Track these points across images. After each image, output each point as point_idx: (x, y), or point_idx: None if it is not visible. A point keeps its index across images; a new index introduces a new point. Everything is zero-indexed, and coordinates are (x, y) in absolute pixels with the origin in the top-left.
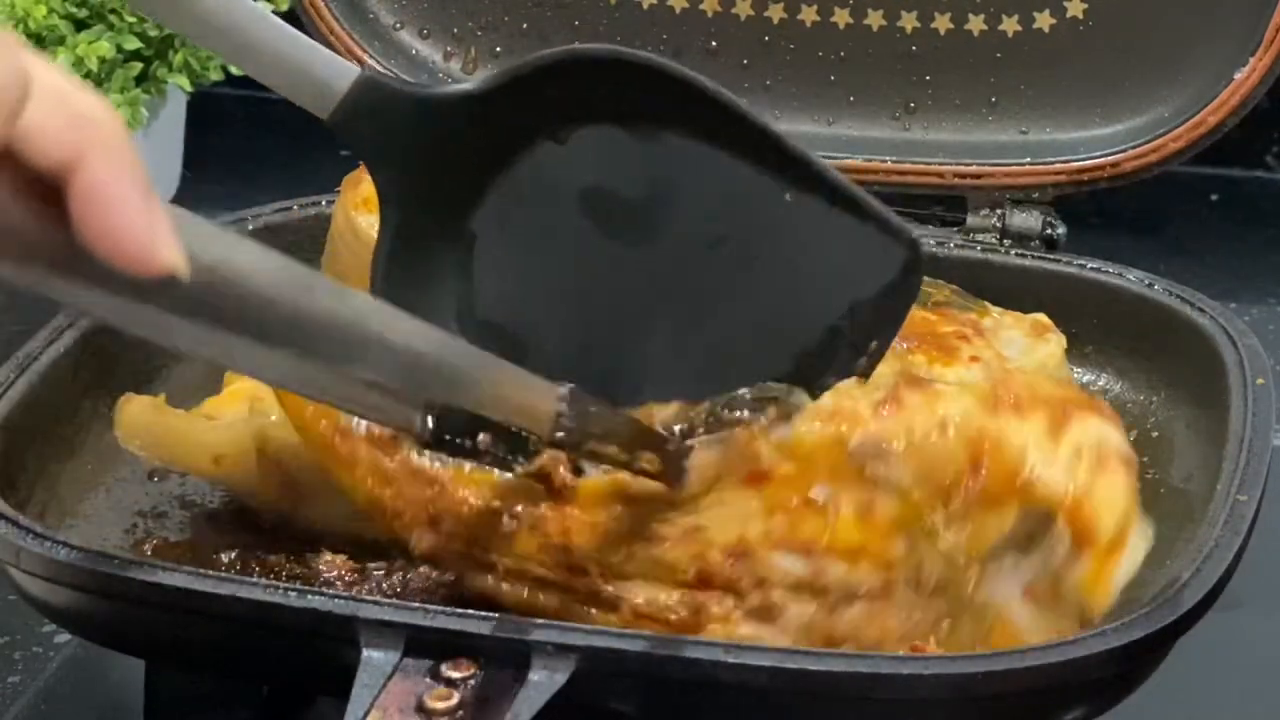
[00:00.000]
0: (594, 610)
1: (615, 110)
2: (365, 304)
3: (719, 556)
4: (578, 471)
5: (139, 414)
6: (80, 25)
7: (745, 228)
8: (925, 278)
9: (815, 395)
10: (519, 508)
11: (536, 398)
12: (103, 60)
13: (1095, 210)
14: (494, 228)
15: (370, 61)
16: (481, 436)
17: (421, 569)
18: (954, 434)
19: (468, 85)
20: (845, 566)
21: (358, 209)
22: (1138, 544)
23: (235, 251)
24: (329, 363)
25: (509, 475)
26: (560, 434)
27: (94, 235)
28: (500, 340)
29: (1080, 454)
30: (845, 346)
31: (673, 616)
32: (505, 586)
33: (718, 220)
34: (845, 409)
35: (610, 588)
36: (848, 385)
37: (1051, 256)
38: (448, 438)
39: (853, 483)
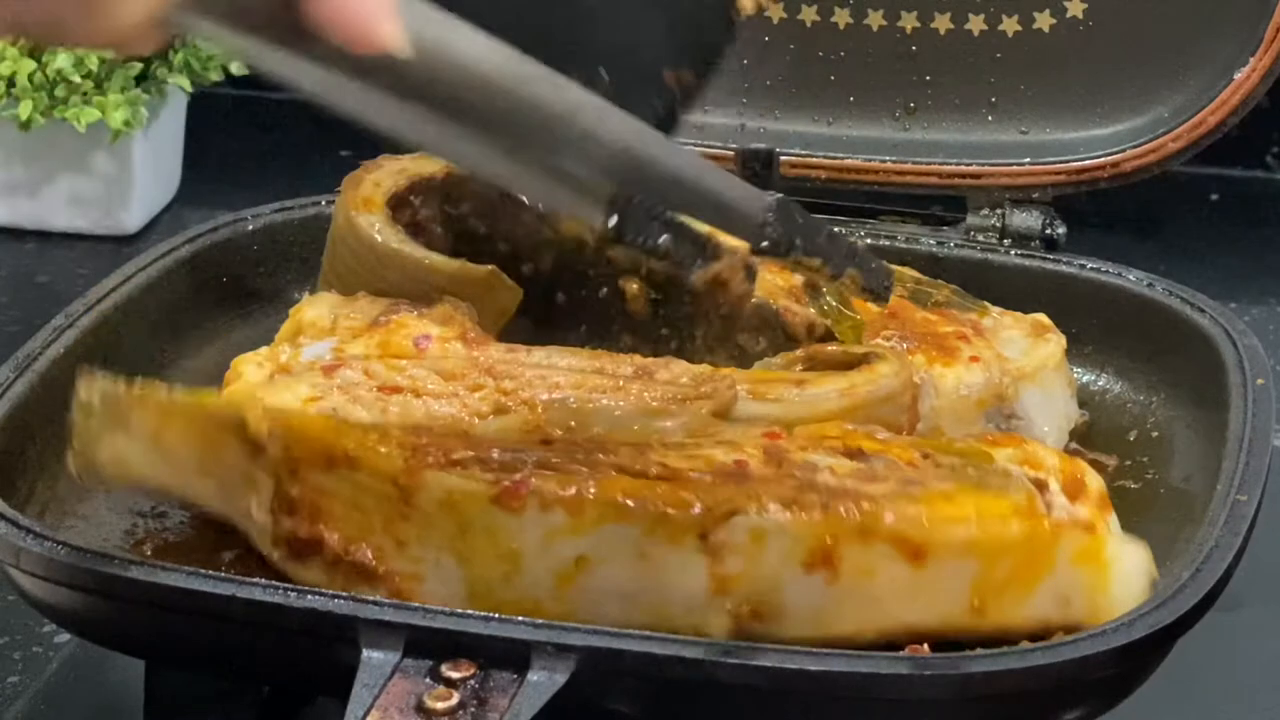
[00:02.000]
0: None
1: None
2: (582, 98)
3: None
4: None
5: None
6: None
7: None
8: (925, 278)
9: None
10: None
11: (745, 204)
12: (103, 60)
13: (1095, 210)
14: None
15: None
16: (664, 237)
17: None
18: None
19: None
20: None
21: (358, 209)
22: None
23: (457, 35)
24: (537, 152)
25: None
26: (765, 243)
27: (319, 10)
28: None
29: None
30: None
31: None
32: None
33: None
34: None
35: None
36: None
37: (1051, 256)
38: (631, 235)
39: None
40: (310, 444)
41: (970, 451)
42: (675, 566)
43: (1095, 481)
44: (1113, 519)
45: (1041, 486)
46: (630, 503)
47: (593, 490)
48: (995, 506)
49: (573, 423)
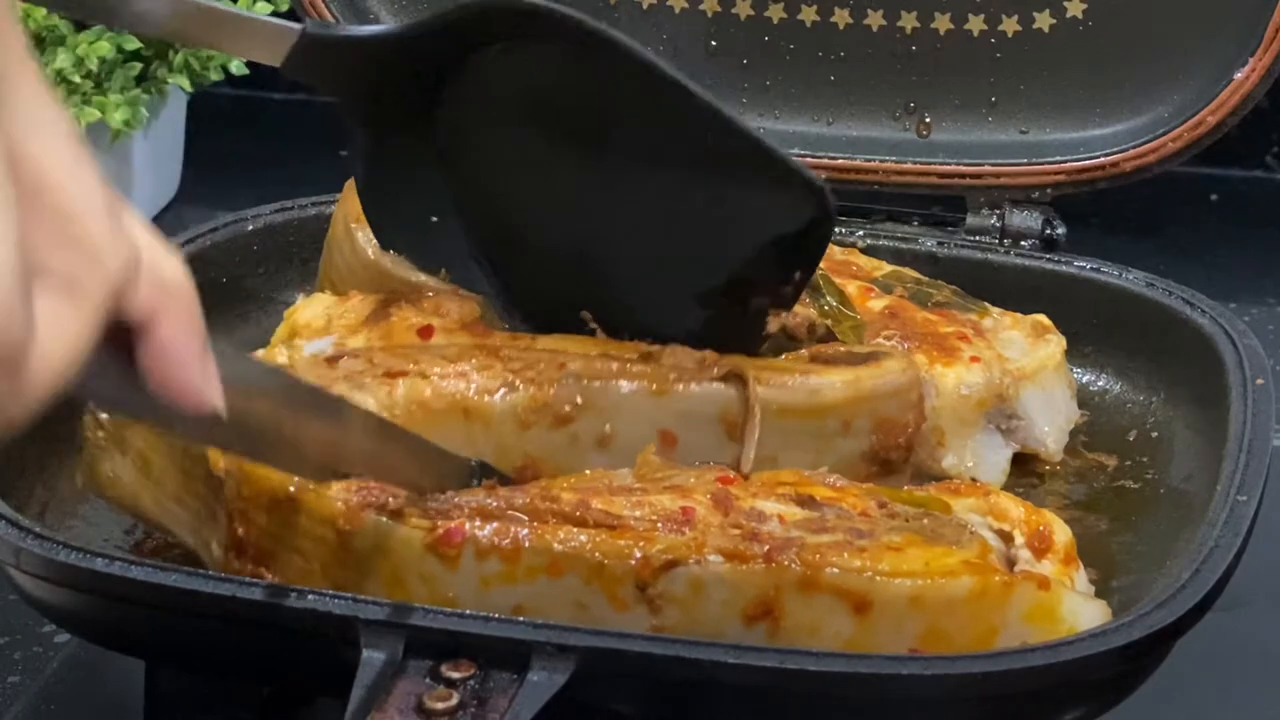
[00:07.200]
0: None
1: (534, 59)
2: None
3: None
4: None
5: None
6: (80, 25)
7: (676, 159)
8: (925, 278)
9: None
10: None
11: (454, 461)
12: (103, 60)
13: (1095, 210)
14: (453, 135)
15: None
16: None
17: None
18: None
19: (390, 28)
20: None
21: (358, 222)
22: (1086, 582)
23: (244, 370)
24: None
25: None
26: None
27: (157, 382)
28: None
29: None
30: (770, 272)
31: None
32: None
33: (650, 149)
34: None
35: None
36: None
37: (1051, 256)
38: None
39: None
40: (258, 483)
41: (928, 501)
42: (614, 617)
43: (1063, 534)
44: (1080, 575)
45: (1007, 539)
46: (566, 552)
47: (529, 538)
48: (945, 560)
49: (580, 399)
